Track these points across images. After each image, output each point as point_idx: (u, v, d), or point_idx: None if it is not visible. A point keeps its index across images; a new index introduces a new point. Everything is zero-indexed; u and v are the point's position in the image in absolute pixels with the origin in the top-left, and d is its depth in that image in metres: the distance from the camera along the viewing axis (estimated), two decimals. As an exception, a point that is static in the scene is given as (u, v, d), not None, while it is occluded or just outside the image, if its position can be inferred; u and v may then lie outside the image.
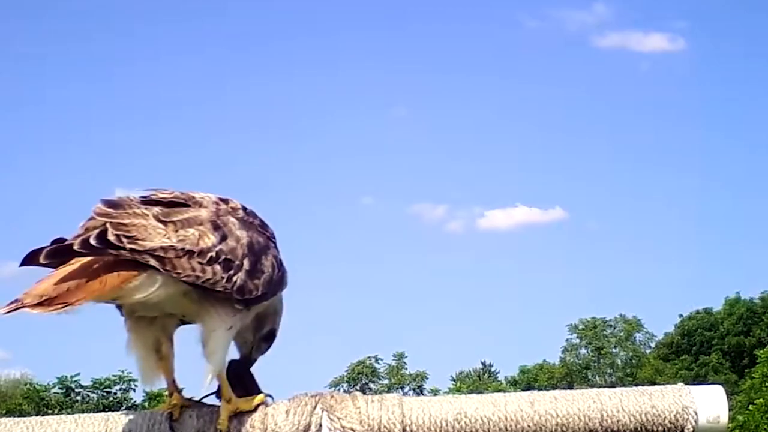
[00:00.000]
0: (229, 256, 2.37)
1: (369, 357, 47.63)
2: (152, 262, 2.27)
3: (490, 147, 73.38)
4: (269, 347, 2.70)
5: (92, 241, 2.23)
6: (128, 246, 2.25)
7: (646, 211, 69.61)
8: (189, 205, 2.42)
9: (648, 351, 57.10)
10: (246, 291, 2.40)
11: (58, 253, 2.24)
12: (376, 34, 74.71)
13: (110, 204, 2.34)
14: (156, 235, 2.30)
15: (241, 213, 2.49)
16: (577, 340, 57.07)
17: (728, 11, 74.37)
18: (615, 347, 56.39)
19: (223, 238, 2.38)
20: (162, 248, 2.28)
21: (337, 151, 70.66)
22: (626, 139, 72.25)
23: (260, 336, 2.66)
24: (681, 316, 56.57)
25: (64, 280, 2.22)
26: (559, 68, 75.79)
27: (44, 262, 2.24)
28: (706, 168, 71.56)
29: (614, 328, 56.89)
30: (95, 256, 2.25)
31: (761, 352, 35.15)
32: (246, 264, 2.40)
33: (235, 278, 2.37)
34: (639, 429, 2.48)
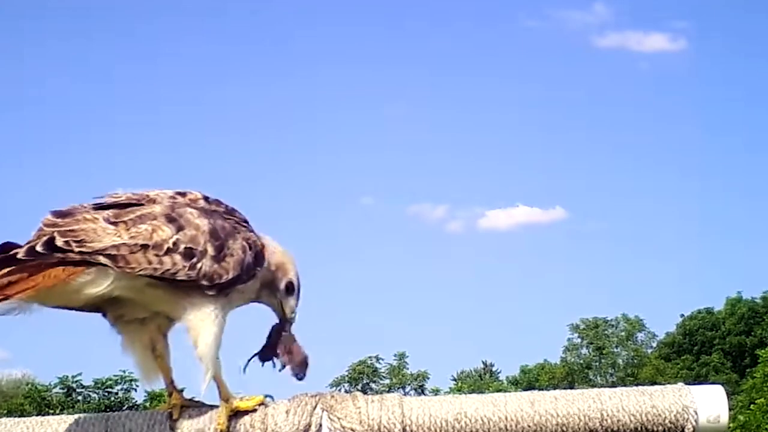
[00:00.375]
0: (189, 245, 2.42)
1: (370, 357, 47.58)
2: (102, 260, 2.34)
3: (490, 147, 73.38)
4: (297, 298, 2.70)
5: (39, 248, 2.30)
6: (77, 249, 2.33)
7: (647, 211, 69.62)
8: (143, 204, 2.48)
9: (649, 351, 57.08)
10: (215, 276, 2.44)
11: (1, 263, 2.28)
12: (375, 32, 74.72)
13: (59, 214, 2.41)
14: (106, 236, 2.37)
15: (201, 203, 2.54)
16: (579, 340, 57.08)
17: (728, 11, 74.39)
18: (616, 347, 56.37)
19: (180, 229, 2.43)
20: (114, 246, 2.36)
21: (336, 151, 70.71)
22: (626, 139, 72.16)
23: (281, 294, 2.67)
24: (682, 315, 56.59)
25: (4, 275, 2.27)
26: (559, 68, 75.74)
27: None
28: (706, 167, 71.57)
29: (616, 328, 56.89)
30: (42, 261, 2.30)
31: (762, 351, 35.11)
32: (210, 250, 2.44)
33: (199, 265, 2.42)
34: (639, 429, 2.48)
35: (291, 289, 2.67)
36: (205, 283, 2.44)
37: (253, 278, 2.55)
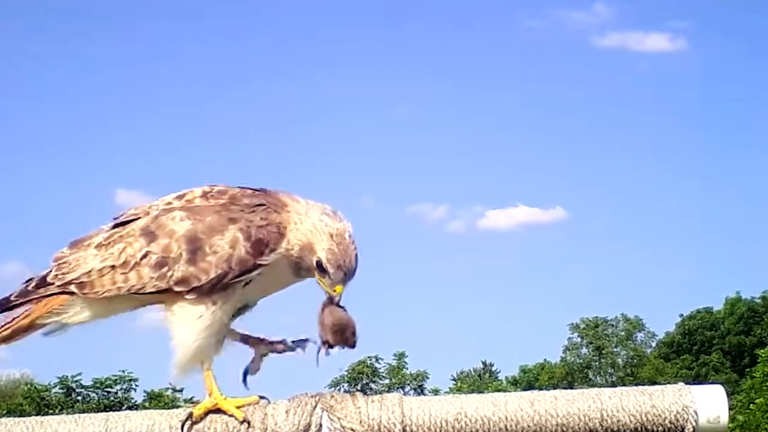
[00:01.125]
0: (162, 254, 2.43)
1: (369, 357, 47.48)
2: (73, 288, 2.48)
3: (490, 147, 73.50)
4: (335, 276, 2.49)
5: (30, 287, 2.52)
6: (57, 281, 2.49)
7: (647, 211, 69.66)
8: (138, 219, 2.53)
9: (649, 350, 57.06)
10: (192, 279, 2.42)
11: (4, 307, 2.54)
12: (376, 33, 74.75)
13: (70, 244, 2.54)
14: (84, 263, 2.49)
15: (197, 201, 2.50)
16: (579, 339, 57.05)
17: (728, 11, 74.45)
18: (616, 346, 56.35)
19: (153, 240, 2.44)
20: (85, 273, 2.47)
21: (337, 151, 70.72)
22: (627, 139, 72.32)
23: (317, 273, 2.51)
24: (682, 315, 56.61)
25: (7, 320, 2.54)
26: (559, 68, 75.87)
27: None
28: (706, 168, 71.64)
29: (615, 328, 56.87)
30: (34, 299, 2.52)
31: (762, 351, 35.12)
32: (185, 254, 2.43)
33: (170, 273, 2.42)
34: (639, 429, 2.47)
35: (321, 267, 2.49)
36: (179, 288, 2.43)
37: (256, 269, 2.46)
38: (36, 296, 2.50)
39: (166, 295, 2.47)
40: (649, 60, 70.81)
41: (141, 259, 2.43)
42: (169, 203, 2.52)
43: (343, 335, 2.52)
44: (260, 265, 2.47)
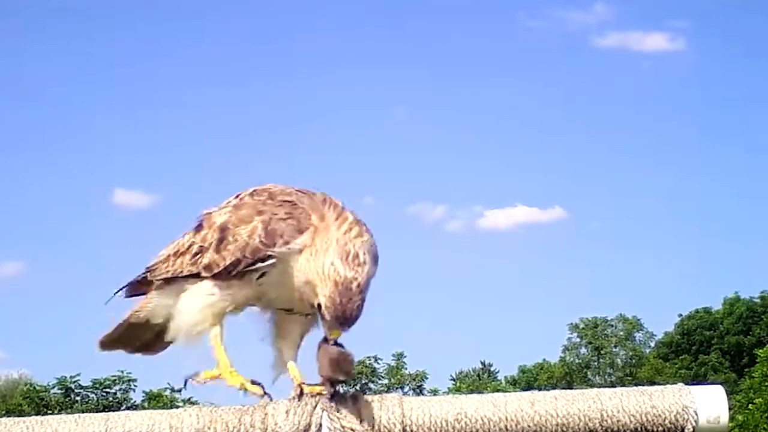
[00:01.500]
0: (200, 243, 2.64)
1: (368, 357, 47.48)
2: (148, 276, 2.76)
3: (490, 147, 73.55)
4: (331, 323, 2.43)
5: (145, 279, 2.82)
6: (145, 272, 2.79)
7: (646, 211, 69.68)
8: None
9: (648, 350, 57.07)
10: (213, 265, 2.59)
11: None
12: (376, 34, 74.75)
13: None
14: (161, 256, 2.75)
15: (246, 199, 2.63)
16: (578, 339, 57.05)
17: (728, 11, 74.50)
18: (615, 346, 56.36)
19: (199, 232, 2.66)
20: (155, 263, 2.75)
21: (336, 151, 70.68)
22: (626, 138, 72.38)
23: (318, 313, 2.49)
24: (681, 315, 56.63)
25: (123, 320, 2.82)
26: (559, 68, 75.90)
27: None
28: (706, 167, 71.72)
29: (614, 328, 56.88)
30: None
31: (761, 351, 35.13)
32: (214, 243, 2.59)
33: (200, 259, 2.63)
34: (639, 429, 2.48)
35: (320, 311, 2.46)
36: (205, 273, 2.61)
37: (268, 259, 2.50)
38: (133, 284, 2.82)
39: (192, 281, 2.66)
40: (649, 60, 70.95)
41: (187, 248, 2.66)
42: (228, 202, 2.67)
43: (340, 370, 2.45)
44: (271, 256, 2.50)
